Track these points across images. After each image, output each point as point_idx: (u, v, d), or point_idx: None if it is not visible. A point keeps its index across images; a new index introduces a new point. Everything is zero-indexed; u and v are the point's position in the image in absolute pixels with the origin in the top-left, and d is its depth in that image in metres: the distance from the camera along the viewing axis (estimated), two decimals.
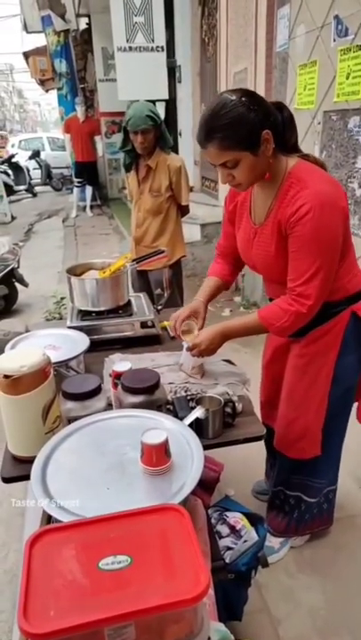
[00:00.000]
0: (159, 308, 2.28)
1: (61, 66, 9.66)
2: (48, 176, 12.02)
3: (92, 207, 9.06)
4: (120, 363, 1.32)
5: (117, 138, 9.45)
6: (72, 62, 9.72)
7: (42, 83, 12.17)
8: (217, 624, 0.77)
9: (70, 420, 1.14)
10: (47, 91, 12.82)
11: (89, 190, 8.91)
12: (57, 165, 12.41)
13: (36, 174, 11.89)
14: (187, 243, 3.21)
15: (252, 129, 1.21)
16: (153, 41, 5.55)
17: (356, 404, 1.67)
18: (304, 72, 3.19)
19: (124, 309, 1.86)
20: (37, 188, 11.85)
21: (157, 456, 0.92)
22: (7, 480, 1.16)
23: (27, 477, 1.17)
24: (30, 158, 11.79)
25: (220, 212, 5.37)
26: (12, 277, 4.53)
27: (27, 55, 11.92)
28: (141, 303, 1.95)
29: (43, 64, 10.94)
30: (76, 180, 8.89)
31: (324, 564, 1.81)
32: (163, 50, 5.61)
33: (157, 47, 5.58)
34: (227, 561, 1.26)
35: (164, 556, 0.71)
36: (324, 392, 1.54)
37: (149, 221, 2.87)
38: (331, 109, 2.91)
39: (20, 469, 1.16)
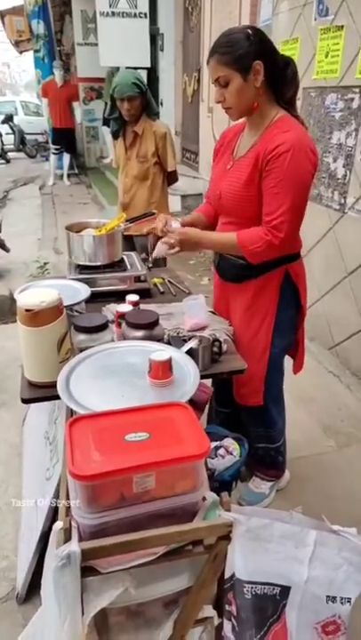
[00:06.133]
0: (149, 267, 2.45)
1: (39, 27, 9.41)
2: (22, 142, 11.66)
3: (69, 176, 8.97)
4: (123, 305, 1.50)
5: (96, 105, 9.33)
6: (50, 24, 9.47)
7: (16, 44, 11.77)
8: (211, 492, 1.00)
9: (82, 350, 1.32)
10: (21, 52, 12.41)
11: (66, 158, 8.79)
12: (31, 131, 12.04)
13: (9, 140, 11.52)
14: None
15: (245, 54, 1.42)
16: (136, 7, 5.53)
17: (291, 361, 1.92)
18: (286, 48, 3.33)
19: (119, 265, 2.03)
20: (10, 155, 11.56)
21: (163, 371, 1.12)
22: (26, 401, 1.35)
23: (41, 399, 1.37)
24: (2, 123, 11.39)
25: (200, 184, 5.49)
26: None
27: (2, 14, 11.46)
28: (134, 261, 2.11)
29: (20, 24, 10.60)
30: (53, 146, 8.77)
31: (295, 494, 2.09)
32: (146, 16, 5.60)
33: (140, 13, 5.56)
34: (215, 474, 1.49)
35: (174, 433, 0.91)
36: (266, 343, 1.72)
37: (136, 187, 3.00)
38: (310, 86, 3.08)
39: (36, 393, 1.35)
